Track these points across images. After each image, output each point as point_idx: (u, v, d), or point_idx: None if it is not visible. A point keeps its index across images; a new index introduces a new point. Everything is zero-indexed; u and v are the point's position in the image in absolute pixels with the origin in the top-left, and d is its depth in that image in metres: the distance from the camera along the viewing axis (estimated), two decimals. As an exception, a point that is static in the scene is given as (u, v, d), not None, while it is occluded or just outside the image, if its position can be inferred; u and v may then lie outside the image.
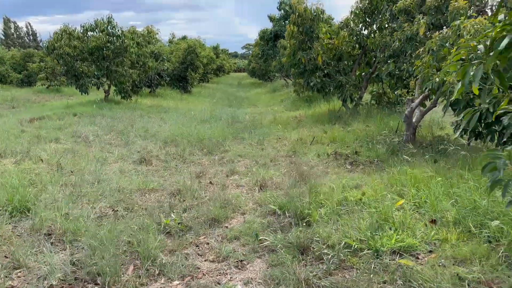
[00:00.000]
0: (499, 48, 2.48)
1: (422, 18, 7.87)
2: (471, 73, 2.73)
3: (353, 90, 11.43)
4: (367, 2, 11.22)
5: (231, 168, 6.84)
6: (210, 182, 6.08)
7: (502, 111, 2.69)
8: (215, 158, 7.74)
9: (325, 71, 11.63)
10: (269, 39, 24.28)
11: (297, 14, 11.06)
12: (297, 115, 13.89)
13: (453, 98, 2.88)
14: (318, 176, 6.01)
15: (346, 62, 11.89)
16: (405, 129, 7.57)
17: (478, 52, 2.81)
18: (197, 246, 3.89)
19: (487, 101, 3.89)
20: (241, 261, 3.50)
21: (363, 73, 11.81)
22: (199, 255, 3.70)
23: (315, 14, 11.09)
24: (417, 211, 4.24)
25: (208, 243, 3.93)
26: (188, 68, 21.98)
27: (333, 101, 14.25)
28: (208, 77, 34.05)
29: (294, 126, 11.19)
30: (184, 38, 30.53)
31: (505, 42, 2.44)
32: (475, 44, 2.81)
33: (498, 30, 2.59)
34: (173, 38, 31.57)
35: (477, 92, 2.86)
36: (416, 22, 7.98)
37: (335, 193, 4.81)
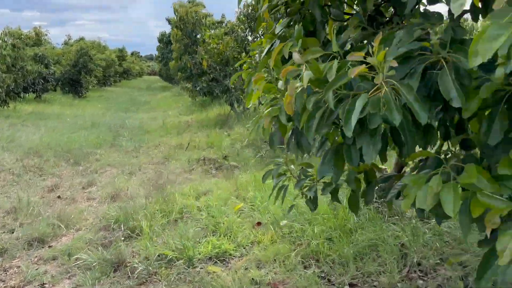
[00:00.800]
0: (261, 59, 2.59)
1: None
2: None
3: (240, 94, 11.60)
4: (250, 8, 11.46)
5: (91, 179, 6.45)
6: (58, 197, 5.64)
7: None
8: (79, 169, 7.26)
9: (212, 76, 11.64)
10: (168, 42, 23.84)
11: (179, 17, 10.91)
12: (189, 119, 13.74)
13: (249, 105, 2.95)
14: (178, 183, 5.93)
15: (232, 67, 12.01)
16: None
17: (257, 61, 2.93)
18: (5, 270, 3.53)
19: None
20: (44, 284, 3.23)
21: (249, 78, 12.04)
22: (1, 280, 3.35)
23: (196, 18, 11.03)
24: (251, 214, 4.34)
25: (19, 266, 3.59)
26: (82, 72, 20.60)
27: (225, 105, 14.35)
28: (111, 80, 32.39)
29: (181, 131, 11.02)
30: (81, 40, 28.62)
31: (264, 52, 2.54)
32: (256, 52, 2.92)
33: (264, 41, 2.70)
34: (68, 40, 29.49)
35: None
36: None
37: (178, 201, 4.73)
